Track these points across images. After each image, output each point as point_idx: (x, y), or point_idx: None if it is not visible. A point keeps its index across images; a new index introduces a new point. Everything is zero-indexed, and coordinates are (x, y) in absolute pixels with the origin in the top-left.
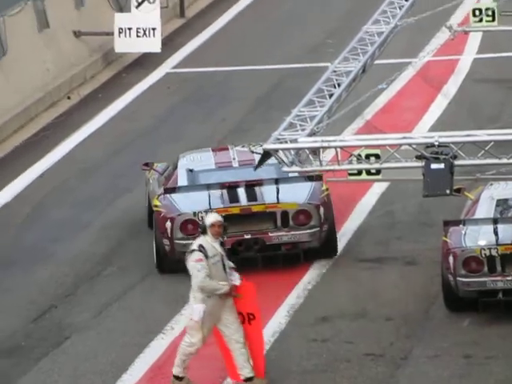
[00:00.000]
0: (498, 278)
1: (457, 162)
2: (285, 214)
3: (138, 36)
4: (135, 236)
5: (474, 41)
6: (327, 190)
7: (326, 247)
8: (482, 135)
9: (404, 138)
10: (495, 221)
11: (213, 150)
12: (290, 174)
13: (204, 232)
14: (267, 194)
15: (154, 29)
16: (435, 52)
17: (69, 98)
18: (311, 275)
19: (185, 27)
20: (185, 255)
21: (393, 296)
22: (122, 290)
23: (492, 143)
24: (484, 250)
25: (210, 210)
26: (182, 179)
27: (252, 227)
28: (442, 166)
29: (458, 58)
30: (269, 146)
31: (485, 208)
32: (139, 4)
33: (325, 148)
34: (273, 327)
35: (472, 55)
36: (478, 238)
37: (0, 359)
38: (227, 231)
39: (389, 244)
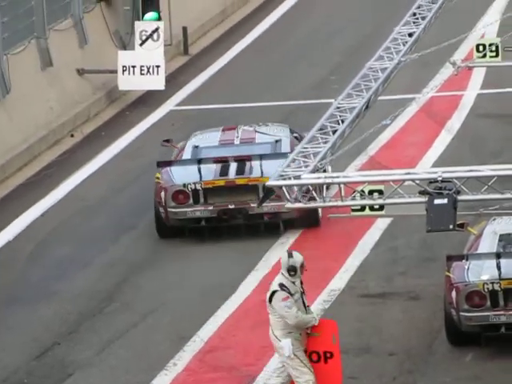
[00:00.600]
0: (501, 313)
1: (460, 198)
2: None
3: (141, 74)
4: (138, 273)
5: (478, 76)
6: None
7: (305, 218)
8: (485, 170)
9: (407, 173)
10: (498, 255)
11: (222, 130)
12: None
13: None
14: (256, 168)
15: (157, 66)
16: (439, 87)
17: (72, 135)
18: (314, 310)
19: (188, 65)
20: (180, 223)
21: (396, 331)
22: (124, 327)
23: (495, 178)
24: (487, 284)
25: (199, 181)
26: (187, 154)
27: (237, 198)
28: (445, 201)
29: (461, 93)
30: (272, 182)
31: (488, 243)
32: (143, 42)
33: (328, 184)
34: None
35: (476, 90)
36: (480, 272)
37: None
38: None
39: (392, 279)
